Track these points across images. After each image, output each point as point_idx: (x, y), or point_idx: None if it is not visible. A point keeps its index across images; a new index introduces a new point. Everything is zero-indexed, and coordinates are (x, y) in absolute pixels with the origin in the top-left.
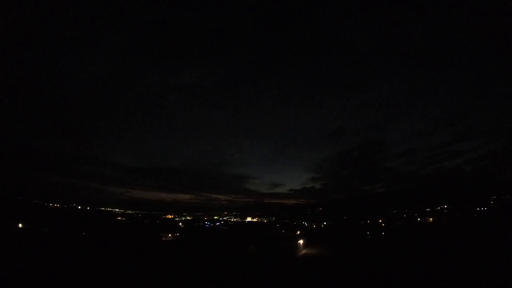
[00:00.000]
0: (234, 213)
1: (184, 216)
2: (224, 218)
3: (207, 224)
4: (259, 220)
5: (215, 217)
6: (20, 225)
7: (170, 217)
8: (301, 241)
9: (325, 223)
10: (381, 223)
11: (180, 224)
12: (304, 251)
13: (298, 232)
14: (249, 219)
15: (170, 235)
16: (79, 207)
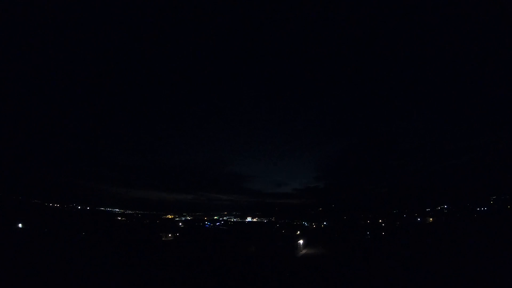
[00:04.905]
0: (234, 213)
1: (184, 216)
2: (224, 218)
3: (207, 224)
4: (259, 220)
5: (215, 217)
6: (20, 225)
7: (170, 217)
8: (301, 241)
9: (325, 223)
10: (381, 223)
11: (180, 224)
12: (304, 251)
13: (298, 232)
14: (249, 219)
15: (170, 235)
16: (79, 207)
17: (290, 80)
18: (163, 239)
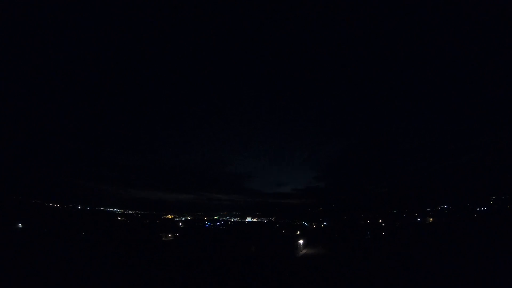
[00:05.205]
0: (234, 213)
1: (184, 216)
2: (224, 218)
3: (207, 224)
4: (259, 220)
5: (215, 217)
6: (20, 225)
7: (170, 217)
8: (301, 241)
9: (325, 223)
10: (381, 223)
11: (180, 224)
12: (304, 251)
13: (298, 232)
14: (249, 219)
15: (170, 235)
16: (79, 207)
17: (290, 80)
18: (163, 239)
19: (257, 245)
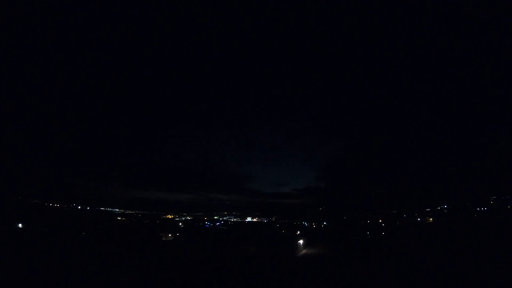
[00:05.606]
0: (234, 213)
1: (184, 216)
2: (224, 218)
3: (207, 224)
4: (259, 220)
5: (215, 217)
6: (20, 225)
7: (170, 217)
8: (301, 241)
9: (325, 223)
10: (381, 223)
11: (180, 224)
12: (304, 251)
13: (298, 232)
14: (249, 219)
15: (170, 235)
16: (79, 207)
17: (290, 80)
18: (163, 239)
19: (257, 245)
